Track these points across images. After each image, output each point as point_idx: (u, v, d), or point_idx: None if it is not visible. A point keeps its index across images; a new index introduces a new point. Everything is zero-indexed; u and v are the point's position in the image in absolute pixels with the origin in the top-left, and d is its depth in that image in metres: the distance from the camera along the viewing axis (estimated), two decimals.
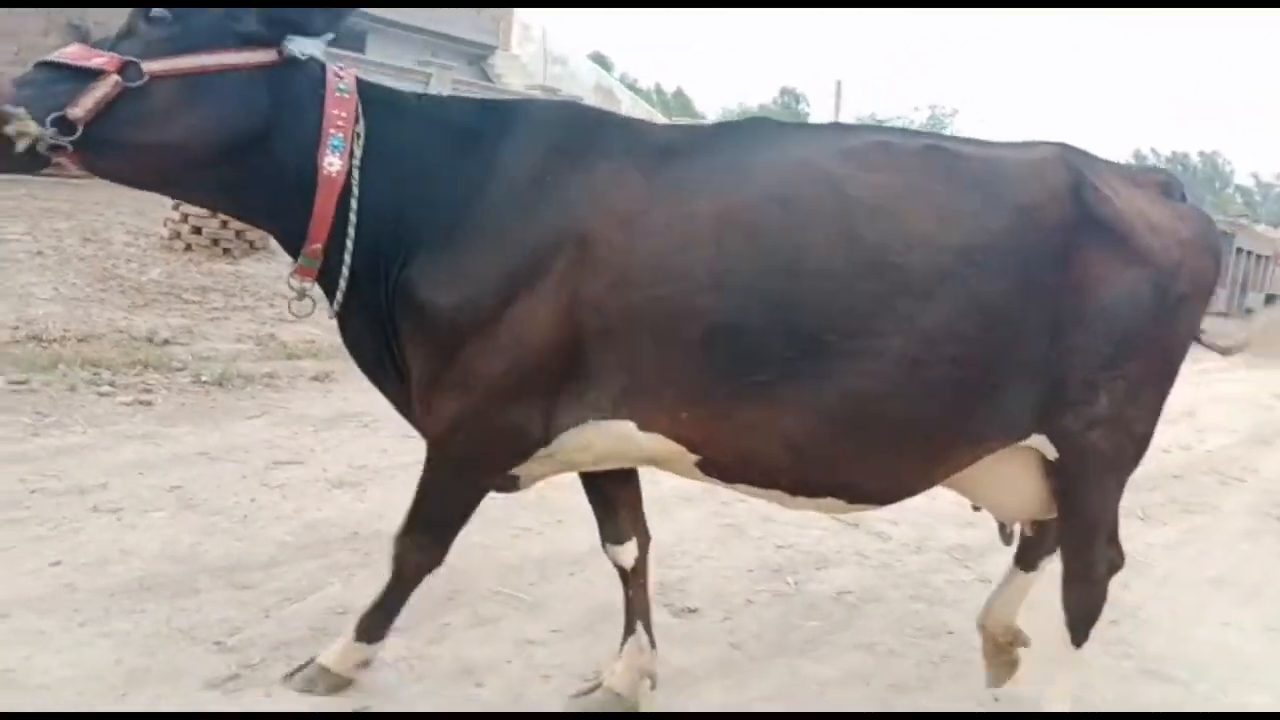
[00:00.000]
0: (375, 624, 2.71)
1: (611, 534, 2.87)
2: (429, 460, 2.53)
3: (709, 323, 2.29)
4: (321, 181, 2.32)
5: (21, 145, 2.03)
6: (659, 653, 2.92)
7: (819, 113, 51.43)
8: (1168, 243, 2.50)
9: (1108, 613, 2.83)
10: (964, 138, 2.74)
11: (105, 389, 5.67)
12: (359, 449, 5.20)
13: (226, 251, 9.92)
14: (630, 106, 27.09)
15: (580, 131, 2.48)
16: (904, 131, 3.15)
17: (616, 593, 2.93)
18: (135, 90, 2.11)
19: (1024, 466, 2.59)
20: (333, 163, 2.32)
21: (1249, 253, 26.80)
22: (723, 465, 2.48)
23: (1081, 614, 2.72)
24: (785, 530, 4.60)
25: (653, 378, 2.34)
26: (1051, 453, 2.52)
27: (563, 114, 2.61)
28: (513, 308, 2.30)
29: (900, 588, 4.12)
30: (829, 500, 2.56)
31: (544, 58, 27.06)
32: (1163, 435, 3.36)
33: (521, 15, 27.47)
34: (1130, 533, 3.22)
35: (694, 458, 2.45)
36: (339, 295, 2.42)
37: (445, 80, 17.93)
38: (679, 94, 65.44)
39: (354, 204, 2.35)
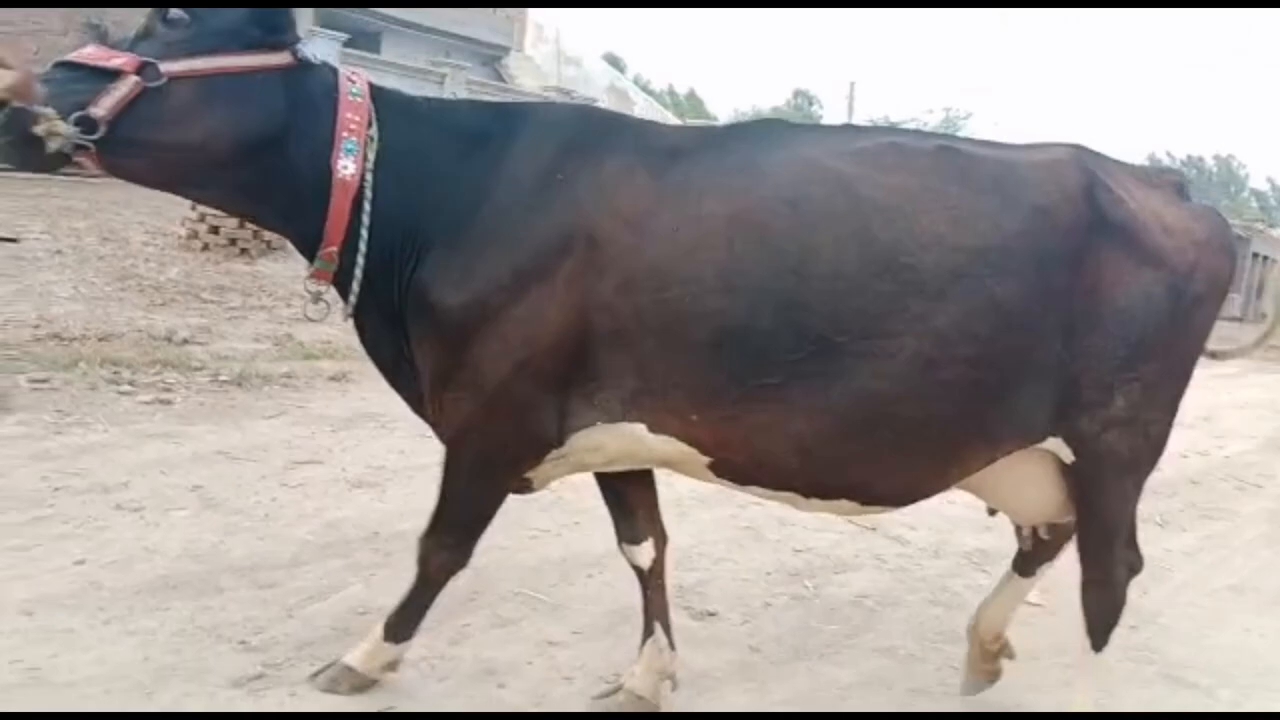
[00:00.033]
0: (402, 624, 2.72)
1: (627, 534, 2.86)
2: (447, 462, 2.53)
3: (719, 324, 2.28)
4: (336, 185, 2.33)
5: (53, 145, 2.05)
6: (679, 655, 2.92)
7: (832, 115, 51.38)
8: (1182, 244, 2.48)
9: (1127, 619, 2.81)
10: (977, 139, 2.72)
11: (126, 388, 5.73)
12: (377, 449, 5.23)
13: (244, 251, 9.99)
14: (644, 108, 27.12)
15: (589, 132, 2.48)
16: (917, 133, 3.12)
17: (636, 595, 2.93)
18: (154, 91, 2.13)
19: (1041, 469, 2.58)
20: (346, 166, 2.33)
21: (1265, 257, 26.66)
22: (735, 467, 2.47)
23: (1101, 618, 2.70)
24: (803, 534, 4.59)
25: (663, 379, 2.33)
26: (1068, 455, 2.50)
27: (572, 115, 2.61)
28: (522, 307, 2.29)
29: (918, 592, 4.10)
30: (842, 502, 2.54)
31: (558, 59, 27.15)
32: (1180, 441, 3.35)
33: (536, 16, 27.61)
34: (1149, 539, 3.20)
35: (705, 460, 2.44)
36: (353, 297, 2.43)
37: (460, 81, 18.01)
38: (692, 95, 65.50)
39: (367, 207, 2.36)
